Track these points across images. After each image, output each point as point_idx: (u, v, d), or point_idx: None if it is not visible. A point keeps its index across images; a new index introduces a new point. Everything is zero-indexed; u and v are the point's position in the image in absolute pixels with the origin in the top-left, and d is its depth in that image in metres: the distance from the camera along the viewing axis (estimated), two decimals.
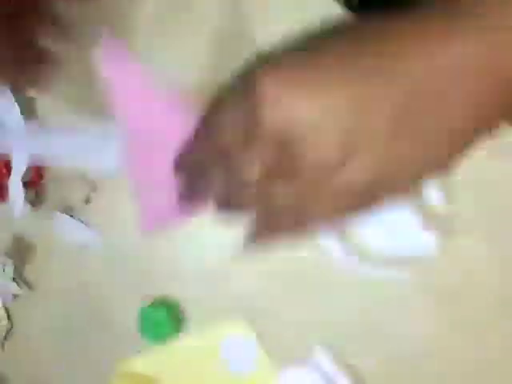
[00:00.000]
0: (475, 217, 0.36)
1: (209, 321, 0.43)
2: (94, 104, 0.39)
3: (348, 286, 0.39)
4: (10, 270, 0.48)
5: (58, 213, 0.46)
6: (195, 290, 0.43)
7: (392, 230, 0.38)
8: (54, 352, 0.50)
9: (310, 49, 0.23)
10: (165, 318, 0.42)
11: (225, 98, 0.26)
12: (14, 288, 0.49)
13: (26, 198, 0.44)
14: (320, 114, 0.22)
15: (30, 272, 0.49)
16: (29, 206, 0.45)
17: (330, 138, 0.22)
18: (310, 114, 0.22)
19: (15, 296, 0.50)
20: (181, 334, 0.44)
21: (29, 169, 0.43)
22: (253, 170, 0.24)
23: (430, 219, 0.37)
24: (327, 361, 0.39)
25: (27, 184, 0.44)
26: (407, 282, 0.38)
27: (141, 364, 0.46)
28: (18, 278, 0.49)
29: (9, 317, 0.51)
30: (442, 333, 0.38)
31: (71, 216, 0.46)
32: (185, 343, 0.44)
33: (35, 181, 0.45)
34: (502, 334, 0.37)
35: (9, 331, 0.52)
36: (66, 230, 0.46)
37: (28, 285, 0.49)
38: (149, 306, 0.43)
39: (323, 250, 0.39)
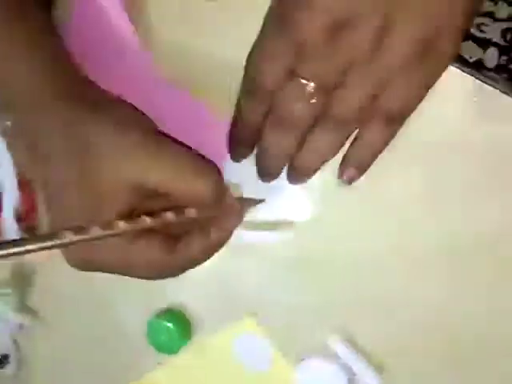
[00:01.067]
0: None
1: (218, 324, 0.42)
2: None
3: (348, 267, 0.38)
4: (11, 299, 0.47)
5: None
6: (199, 295, 0.42)
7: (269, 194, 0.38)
8: (66, 374, 0.49)
9: None
10: (173, 328, 0.41)
11: None
12: (18, 318, 0.48)
13: (19, 229, 0.43)
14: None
15: (33, 299, 0.48)
16: None
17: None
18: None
19: (21, 326, 0.49)
20: (191, 341, 0.43)
21: (20, 203, 0.43)
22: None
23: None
24: (344, 348, 0.38)
25: (21, 219, 0.43)
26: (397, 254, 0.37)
27: (155, 376, 0.45)
28: (22, 306, 0.48)
29: (17, 348, 0.51)
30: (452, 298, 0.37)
31: None
32: (196, 349, 0.43)
33: (28, 213, 0.44)
34: None
35: (20, 362, 0.51)
36: None
37: (33, 312, 0.48)
38: (156, 317, 0.42)
39: None
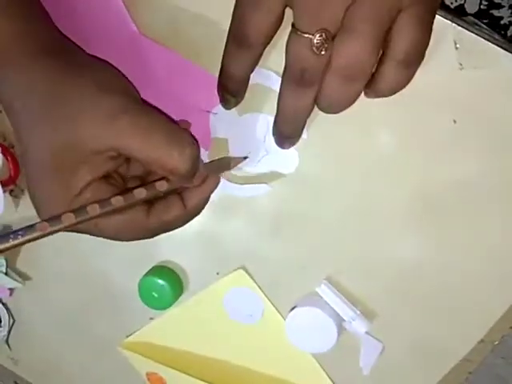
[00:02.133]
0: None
1: (208, 279, 0.43)
2: None
3: (334, 220, 0.39)
4: (1, 264, 0.47)
5: None
6: (188, 252, 0.43)
7: (255, 148, 0.38)
8: (60, 335, 0.50)
9: None
10: (164, 284, 0.42)
11: None
12: (9, 282, 0.48)
13: (4, 192, 0.43)
14: None
15: (22, 263, 0.48)
16: (10, 199, 0.45)
17: None
18: None
19: (12, 290, 0.50)
20: (183, 297, 0.44)
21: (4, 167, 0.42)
22: None
23: None
24: (332, 296, 0.39)
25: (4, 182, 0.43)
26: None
27: (148, 332, 0.46)
28: (12, 271, 0.48)
29: (9, 312, 0.51)
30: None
31: None
32: (188, 304, 0.44)
33: (12, 177, 0.44)
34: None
35: (12, 326, 0.52)
36: None
37: (23, 276, 0.49)
38: (147, 274, 0.43)
39: None
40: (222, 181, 0.39)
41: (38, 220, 0.30)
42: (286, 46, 0.29)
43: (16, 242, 0.29)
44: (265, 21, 0.29)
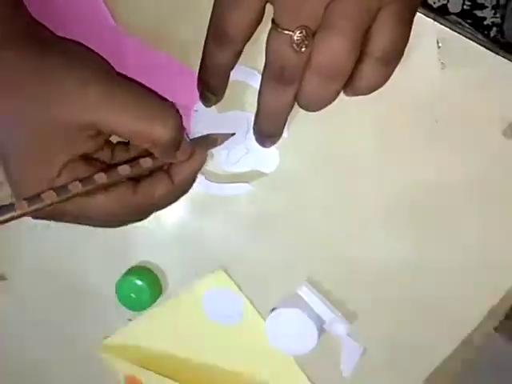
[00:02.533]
0: None
1: (187, 279, 0.42)
2: None
3: (315, 219, 0.39)
4: None
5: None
6: (167, 252, 0.42)
7: (236, 146, 0.38)
8: (35, 337, 0.49)
9: None
10: (142, 285, 0.41)
11: None
12: None
13: None
14: None
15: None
16: None
17: None
18: None
19: None
20: (162, 298, 0.43)
21: None
22: None
23: None
24: (312, 297, 0.39)
25: None
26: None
27: (126, 333, 0.45)
28: None
29: None
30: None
31: None
32: (167, 305, 0.43)
33: None
34: None
35: None
36: None
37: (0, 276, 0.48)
38: (124, 275, 0.42)
39: None
40: (202, 180, 0.38)
41: None
42: (266, 42, 0.28)
43: None
44: (245, 18, 0.28)
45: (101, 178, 0.30)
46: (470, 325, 0.38)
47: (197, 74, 0.33)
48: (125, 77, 0.33)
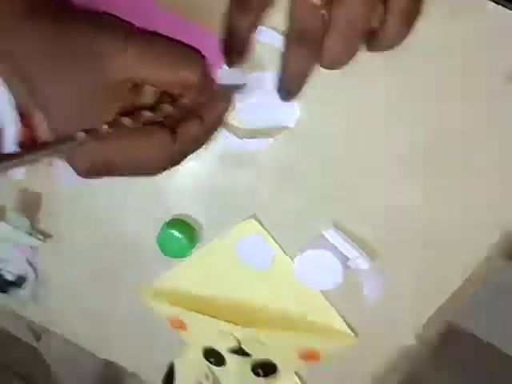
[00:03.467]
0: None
1: (220, 229, 0.46)
2: None
3: (337, 168, 0.41)
4: (23, 224, 0.49)
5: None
6: (203, 206, 0.46)
7: (257, 103, 0.40)
8: (85, 286, 0.53)
9: None
10: (181, 237, 0.45)
11: None
12: (30, 241, 0.50)
13: None
14: None
15: (43, 222, 0.51)
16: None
17: None
18: None
19: (33, 248, 0.52)
20: (198, 246, 0.47)
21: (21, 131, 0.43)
22: None
23: None
24: (337, 237, 0.42)
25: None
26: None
27: (166, 278, 0.49)
28: (32, 230, 0.50)
29: (34, 270, 0.54)
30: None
31: None
32: (204, 253, 0.47)
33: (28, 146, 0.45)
34: None
35: (36, 282, 0.54)
36: (65, 173, 0.48)
37: (44, 234, 0.51)
38: (164, 227, 0.46)
39: None
40: (227, 135, 0.41)
41: None
42: (290, 6, 0.30)
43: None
44: None
45: (146, 115, 0.34)
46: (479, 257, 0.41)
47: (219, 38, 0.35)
48: (152, 32, 0.35)
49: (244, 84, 0.39)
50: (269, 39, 0.38)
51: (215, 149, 0.43)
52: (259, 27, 0.34)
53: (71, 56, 0.32)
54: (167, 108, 0.35)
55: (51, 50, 0.32)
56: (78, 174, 0.35)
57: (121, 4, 0.37)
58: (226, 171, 0.44)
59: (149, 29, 0.37)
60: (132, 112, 0.34)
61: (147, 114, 0.34)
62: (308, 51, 0.31)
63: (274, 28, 0.37)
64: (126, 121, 0.33)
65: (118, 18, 0.35)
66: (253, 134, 0.42)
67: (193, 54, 0.34)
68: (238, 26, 0.33)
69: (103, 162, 0.34)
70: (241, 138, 0.42)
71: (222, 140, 0.42)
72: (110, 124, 0.32)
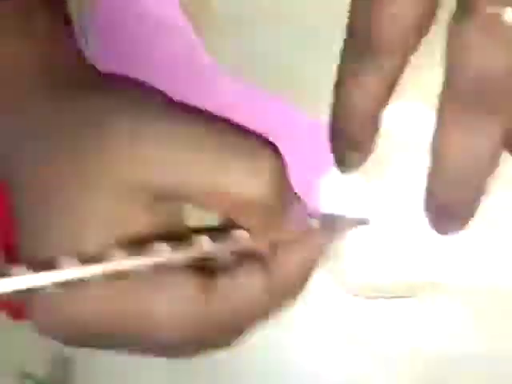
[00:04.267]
0: None
1: None
2: None
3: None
4: None
5: None
6: None
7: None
8: None
9: None
10: None
11: None
12: None
13: None
14: None
15: None
16: None
17: None
18: None
19: None
20: None
21: None
22: None
23: None
24: None
25: None
26: None
27: None
28: None
29: None
30: None
31: None
32: None
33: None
34: None
35: None
36: None
37: None
38: None
39: None
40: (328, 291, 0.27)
41: None
42: (447, 45, 0.18)
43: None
44: (405, 13, 0.19)
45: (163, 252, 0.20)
46: None
47: (327, 125, 0.21)
48: (199, 110, 0.23)
49: (364, 219, 0.25)
50: (410, 118, 0.24)
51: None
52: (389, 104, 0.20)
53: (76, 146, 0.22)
54: (204, 245, 0.21)
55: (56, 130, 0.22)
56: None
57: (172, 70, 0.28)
58: None
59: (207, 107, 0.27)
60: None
61: (164, 251, 0.20)
62: (488, 121, 0.18)
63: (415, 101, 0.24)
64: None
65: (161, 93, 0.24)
66: (375, 291, 0.27)
67: (262, 147, 0.21)
68: (358, 94, 0.20)
69: (78, 320, 0.21)
70: (354, 295, 0.27)
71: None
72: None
